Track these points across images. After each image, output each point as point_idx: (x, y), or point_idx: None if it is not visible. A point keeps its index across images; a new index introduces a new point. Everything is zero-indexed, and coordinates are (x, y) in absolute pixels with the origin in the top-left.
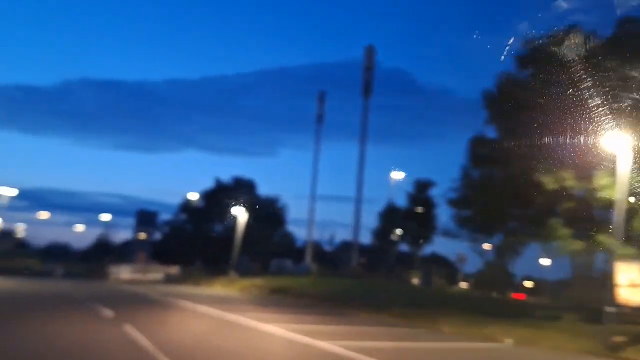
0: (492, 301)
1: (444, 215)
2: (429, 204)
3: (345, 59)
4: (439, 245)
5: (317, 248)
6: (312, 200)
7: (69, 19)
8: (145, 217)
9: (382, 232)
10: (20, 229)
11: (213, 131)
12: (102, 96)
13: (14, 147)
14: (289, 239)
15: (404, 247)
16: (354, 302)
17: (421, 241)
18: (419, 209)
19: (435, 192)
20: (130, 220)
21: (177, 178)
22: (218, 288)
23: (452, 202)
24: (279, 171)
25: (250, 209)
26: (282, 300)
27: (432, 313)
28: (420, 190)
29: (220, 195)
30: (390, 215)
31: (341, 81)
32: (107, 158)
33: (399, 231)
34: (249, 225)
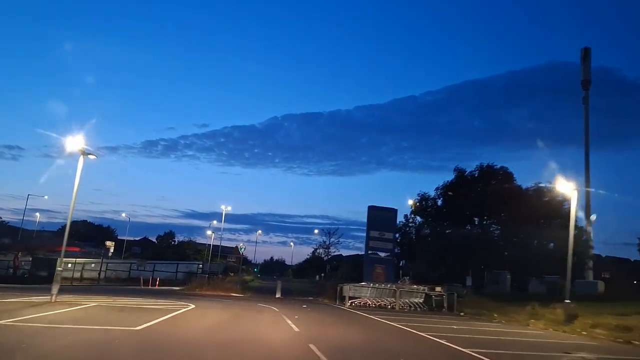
0: None
1: None
2: None
3: (536, 65)
4: None
5: None
6: None
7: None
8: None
9: None
10: (242, 248)
11: (406, 150)
12: (304, 128)
13: (238, 179)
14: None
15: None
16: None
17: None
18: None
19: None
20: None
21: (375, 197)
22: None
23: None
24: None
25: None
26: None
27: None
28: None
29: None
30: None
31: (537, 88)
32: (311, 183)
33: None
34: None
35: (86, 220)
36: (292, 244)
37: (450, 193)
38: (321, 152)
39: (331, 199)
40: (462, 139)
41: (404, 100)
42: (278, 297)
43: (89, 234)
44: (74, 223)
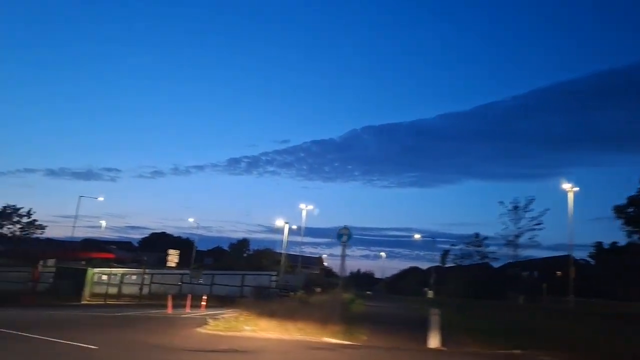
0: None
1: None
2: None
3: (633, 63)
4: None
5: None
6: None
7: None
8: None
9: None
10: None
11: (491, 159)
12: (383, 139)
13: (318, 193)
14: None
15: None
16: None
17: None
18: None
19: None
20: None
21: (460, 209)
22: None
23: None
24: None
25: None
26: None
27: None
28: None
29: None
30: None
31: (634, 87)
32: (392, 195)
33: None
34: None
35: (164, 232)
36: (383, 254)
37: None
38: (401, 164)
39: (413, 211)
40: (552, 145)
41: (488, 106)
42: (436, 350)
43: (162, 246)
44: (154, 235)
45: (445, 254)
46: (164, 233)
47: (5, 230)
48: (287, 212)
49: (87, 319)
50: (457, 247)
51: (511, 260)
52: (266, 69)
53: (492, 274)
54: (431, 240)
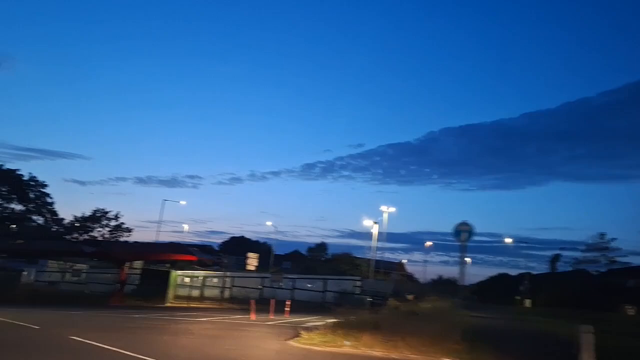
0: None
1: None
2: None
3: None
4: None
5: None
6: None
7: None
8: None
9: None
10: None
11: (581, 159)
12: (462, 141)
13: (394, 197)
14: None
15: None
16: None
17: None
18: None
19: None
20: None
21: (547, 211)
22: None
23: None
24: None
25: None
26: None
27: None
28: None
29: None
30: None
31: None
32: (473, 199)
33: None
34: None
35: (243, 236)
36: (468, 260)
37: None
38: (483, 166)
39: (496, 214)
40: None
41: (575, 103)
42: None
43: (241, 250)
44: (233, 239)
45: (555, 258)
46: (242, 237)
47: (95, 233)
48: (362, 216)
49: (174, 324)
50: (565, 251)
51: (612, 268)
52: (339, 74)
53: (594, 282)
54: (524, 244)
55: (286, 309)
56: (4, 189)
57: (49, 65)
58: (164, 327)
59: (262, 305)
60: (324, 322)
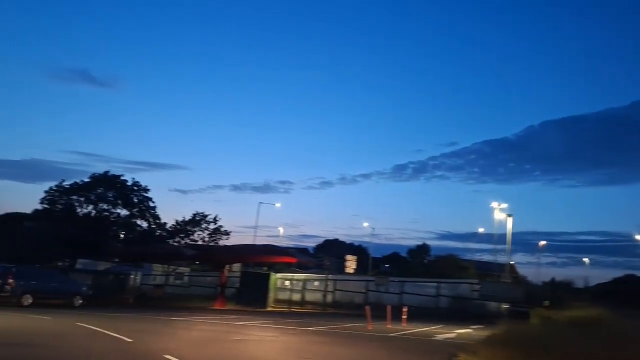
0: None
1: None
2: None
3: None
4: None
5: None
6: None
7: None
8: None
9: None
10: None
11: None
12: (566, 134)
13: (492, 197)
14: None
15: None
16: None
17: None
18: None
19: None
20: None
21: None
22: None
23: None
24: None
25: None
26: None
27: None
28: None
29: None
30: None
31: None
32: (579, 196)
33: None
34: None
35: (338, 239)
36: (586, 260)
37: None
38: (590, 160)
39: (606, 212)
40: None
41: None
42: None
43: (335, 252)
44: (327, 242)
45: None
46: (336, 240)
47: (195, 237)
48: (459, 217)
49: (286, 335)
50: None
51: None
52: (429, 72)
53: None
54: None
55: (403, 316)
56: (110, 195)
57: (153, 84)
58: (276, 341)
59: (373, 312)
60: (456, 334)
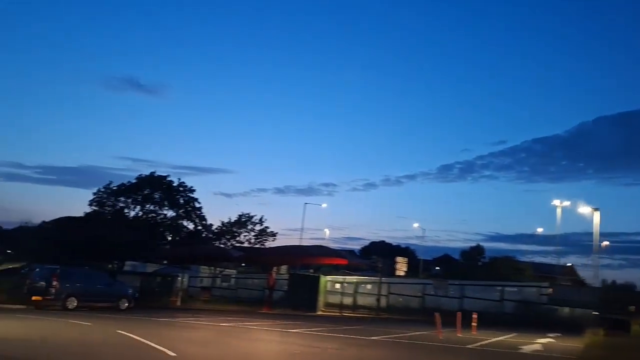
0: None
1: None
2: None
3: None
4: None
5: None
6: None
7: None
8: None
9: None
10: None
11: None
12: (622, 131)
13: (544, 196)
14: None
15: None
16: None
17: None
18: None
19: None
20: None
21: None
22: None
23: None
24: None
25: None
26: None
27: None
28: None
29: None
30: None
31: None
32: (635, 195)
33: None
34: None
35: (384, 241)
36: None
37: None
38: None
39: None
40: None
41: None
42: None
43: (382, 254)
44: (372, 244)
45: None
46: (382, 242)
47: (241, 238)
48: (509, 217)
49: (347, 346)
50: None
51: None
52: (475, 69)
53: None
54: None
55: (473, 323)
56: (156, 196)
57: (199, 89)
58: (343, 356)
59: (431, 317)
60: (540, 344)
